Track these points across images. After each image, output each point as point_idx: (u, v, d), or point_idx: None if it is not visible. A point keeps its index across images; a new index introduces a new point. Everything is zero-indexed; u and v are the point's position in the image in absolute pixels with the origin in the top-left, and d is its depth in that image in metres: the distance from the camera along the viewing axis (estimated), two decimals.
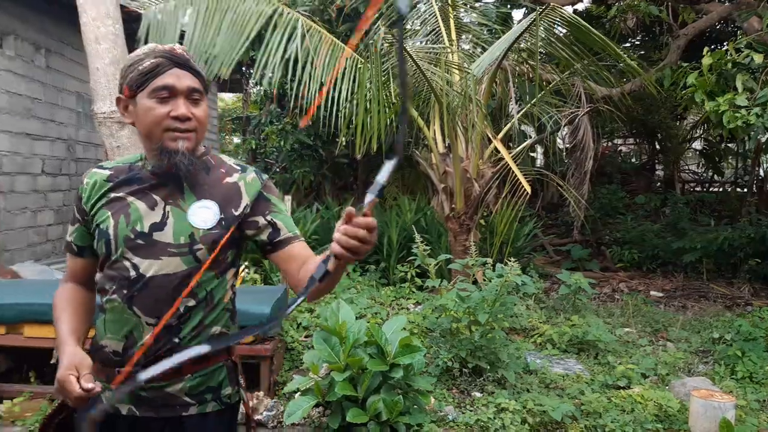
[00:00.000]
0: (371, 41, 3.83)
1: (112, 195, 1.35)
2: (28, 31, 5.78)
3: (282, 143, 7.33)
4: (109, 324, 1.34)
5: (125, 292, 1.31)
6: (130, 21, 4.92)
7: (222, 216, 1.35)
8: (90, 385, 1.22)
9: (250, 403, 3.28)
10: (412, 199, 7.33)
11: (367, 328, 3.30)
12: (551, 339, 4.43)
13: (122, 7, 4.43)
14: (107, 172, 1.39)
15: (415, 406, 3.16)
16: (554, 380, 3.82)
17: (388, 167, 0.92)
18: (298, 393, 3.30)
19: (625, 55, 4.81)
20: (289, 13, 4.82)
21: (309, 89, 4.74)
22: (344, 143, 5.75)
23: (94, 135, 7.08)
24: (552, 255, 8.45)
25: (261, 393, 3.44)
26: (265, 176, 1.46)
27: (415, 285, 5.55)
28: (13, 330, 3.36)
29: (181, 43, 5.31)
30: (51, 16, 6.07)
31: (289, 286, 1.43)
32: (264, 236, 1.39)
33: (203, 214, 1.34)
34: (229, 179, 1.40)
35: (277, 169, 8.39)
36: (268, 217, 1.40)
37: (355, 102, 4.45)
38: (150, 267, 1.30)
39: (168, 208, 1.33)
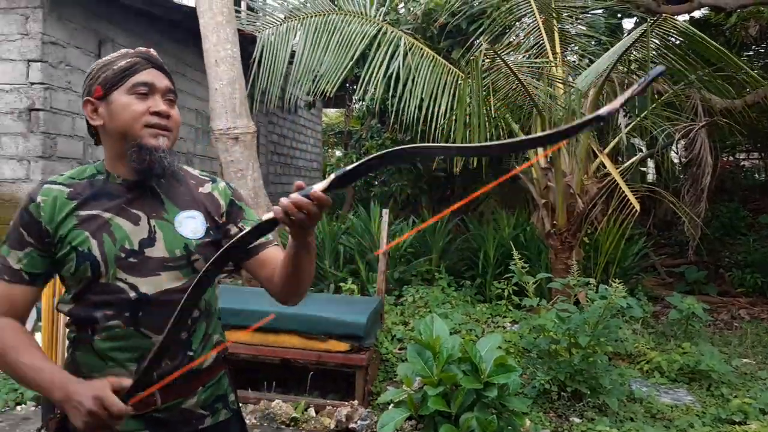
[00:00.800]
0: (472, 57, 3.84)
1: (83, 213, 1.23)
2: (158, 54, 6.34)
3: None
4: (111, 353, 1.23)
5: (128, 315, 1.22)
6: (245, 43, 5.27)
7: (208, 225, 1.33)
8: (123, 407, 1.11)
9: (346, 411, 3.38)
10: (511, 214, 7.19)
11: (461, 344, 3.29)
12: (659, 366, 4.17)
13: (238, 30, 4.76)
14: (66, 189, 1.26)
15: (510, 427, 3.09)
16: (661, 410, 3.59)
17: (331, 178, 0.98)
18: (392, 404, 3.34)
19: (746, 66, 4.45)
20: (392, 32, 4.95)
21: (409, 105, 4.82)
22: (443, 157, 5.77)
23: (211, 149, 7.61)
24: (664, 276, 7.94)
25: (356, 402, 3.52)
26: (233, 185, 1.46)
27: (512, 303, 5.43)
28: None
29: (291, 63, 5.63)
30: (175, 40, 6.63)
31: (270, 293, 1.35)
32: None
33: (191, 224, 1.30)
34: (202, 189, 1.38)
35: (376, 183, 8.56)
36: (240, 224, 1.37)
37: (454, 117, 4.46)
38: (150, 284, 1.23)
39: (153, 222, 1.27)
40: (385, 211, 4.18)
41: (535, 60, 4.49)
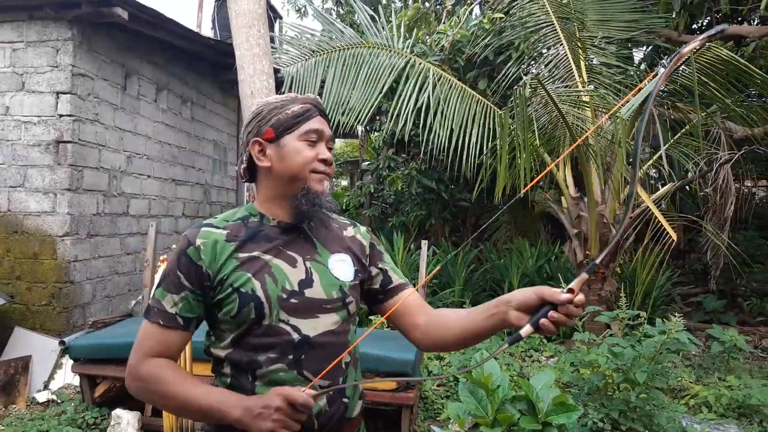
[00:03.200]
0: (516, 87, 3.82)
1: (243, 255, 1.23)
2: (178, 85, 6.32)
3: (407, 188, 7.45)
4: None
5: (291, 357, 1.21)
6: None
7: (356, 268, 1.34)
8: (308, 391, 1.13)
9: None
10: (531, 244, 7.12)
11: (512, 381, 3.19)
12: (706, 401, 4.07)
13: None
14: (223, 231, 1.26)
15: None
16: None
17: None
18: None
19: None
20: (420, 64, 4.94)
21: (439, 136, 4.79)
22: (479, 187, 5.71)
23: (227, 180, 7.54)
24: (681, 306, 7.86)
25: None
26: (368, 228, 1.49)
27: (546, 336, 5.33)
28: None
29: (320, 96, 5.61)
30: (196, 72, 6.61)
31: (414, 341, 1.35)
32: (376, 284, 1.39)
33: (342, 267, 1.31)
34: (346, 232, 1.40)
35: (392, 212, 8.51)
36: (380, 266, 1.40)
37: (490, 148, 4.42)
38: (311, 326, 1.23)
39: (308, 264, 1.27)
40: (425, 243, 4.10)
41: (578, 89, 4.48)
